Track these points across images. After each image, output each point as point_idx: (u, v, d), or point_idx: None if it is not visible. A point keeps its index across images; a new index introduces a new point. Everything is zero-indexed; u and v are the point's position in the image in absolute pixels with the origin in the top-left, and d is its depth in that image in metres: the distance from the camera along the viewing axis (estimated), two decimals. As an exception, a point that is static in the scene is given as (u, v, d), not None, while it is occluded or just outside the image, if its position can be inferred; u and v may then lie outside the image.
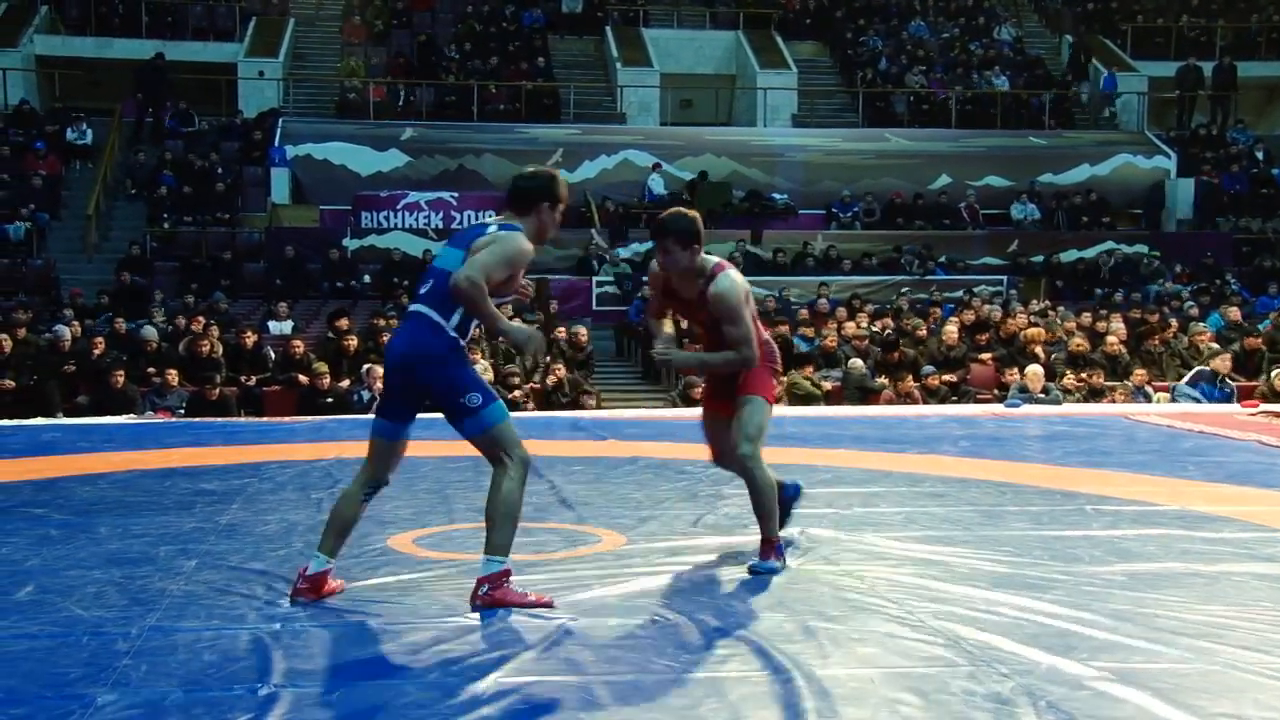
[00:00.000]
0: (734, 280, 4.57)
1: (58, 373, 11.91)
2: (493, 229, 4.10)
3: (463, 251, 4.05)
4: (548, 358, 12.56)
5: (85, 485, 6.53)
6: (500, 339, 4.30)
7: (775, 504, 4.64)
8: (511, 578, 4.04)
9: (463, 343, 4.05)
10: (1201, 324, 14.70)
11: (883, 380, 12.68)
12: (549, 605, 4.01)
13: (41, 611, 3.98)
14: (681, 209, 4.69)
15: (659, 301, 4.87)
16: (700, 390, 4.71)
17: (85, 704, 3.12)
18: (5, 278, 17.09)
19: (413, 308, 4.13)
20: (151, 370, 12.10)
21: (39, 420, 10.17)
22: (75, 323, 13.74)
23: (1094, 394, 12.23)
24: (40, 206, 18.70)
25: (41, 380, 11.68)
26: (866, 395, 12.39)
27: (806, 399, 12.10)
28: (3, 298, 16.18)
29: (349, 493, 4.20)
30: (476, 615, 3.97)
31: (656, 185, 20.81)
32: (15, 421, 9.80)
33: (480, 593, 3.99)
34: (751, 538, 5.19)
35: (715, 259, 4.67)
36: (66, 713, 3.06)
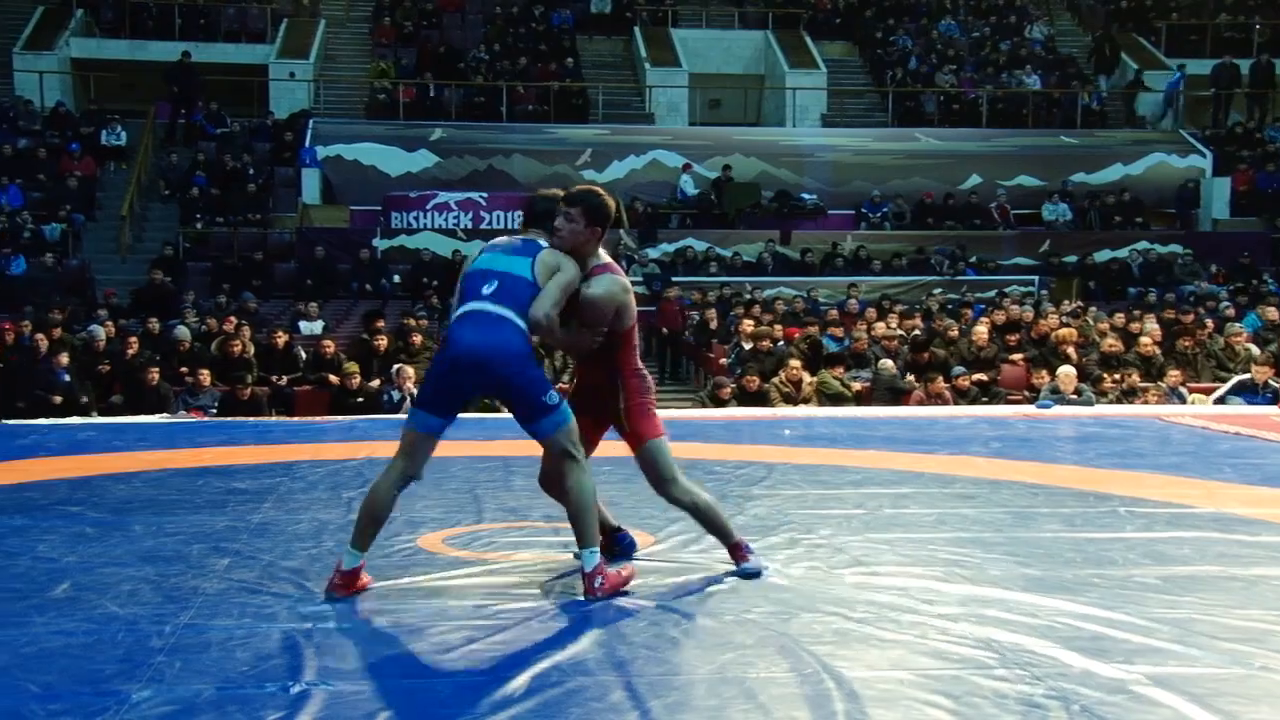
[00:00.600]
0: (612, 284, 4.36)
1: (93, 372, 12.01)
2: (545, 243, 4.30)
3: (530, 260, 4.22)
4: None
5: (120, 484, 6.58)
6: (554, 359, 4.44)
7: (721, 516, 4.60)
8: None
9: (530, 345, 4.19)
10: (1238, 324, 14.56)
11: (911, 380, 12.62)
12: (632, 578, 4.32)
13: (77, 608, 4.02)
14: (606, 195, 4.45)
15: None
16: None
17: (120, 700, 3.15)
18: (42, 278, 17.25)
19: (481, 307, 4.17)
20: (184, 370, 12.19)
21: (74, 419, 10.26)
22: (109, 323, 13.85)
23: (1127, 395, 12.13)
24: (76, 207, 18.88)
25: (77, 380, 11.78)
26: (897, 396, 12.34)
27: (836, 399, 12.06)
28: (39, 298, 16.33)
29: (381, 486, 4.21)
30: (505, 615, 3.98)
31: (688, 185, 20.80)
32: (51, 420, 9.90)
33: (596, 585, 4.15)
34: (783, 536, 5.19)
35: (606, 259, 4.47)
36: (102, 709, 3.09)
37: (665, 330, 16.27)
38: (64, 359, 11.71)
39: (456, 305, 4.29)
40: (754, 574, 4.50)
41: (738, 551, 4.57)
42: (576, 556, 4.34)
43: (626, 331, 4.48)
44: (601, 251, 4.47)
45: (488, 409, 9.82)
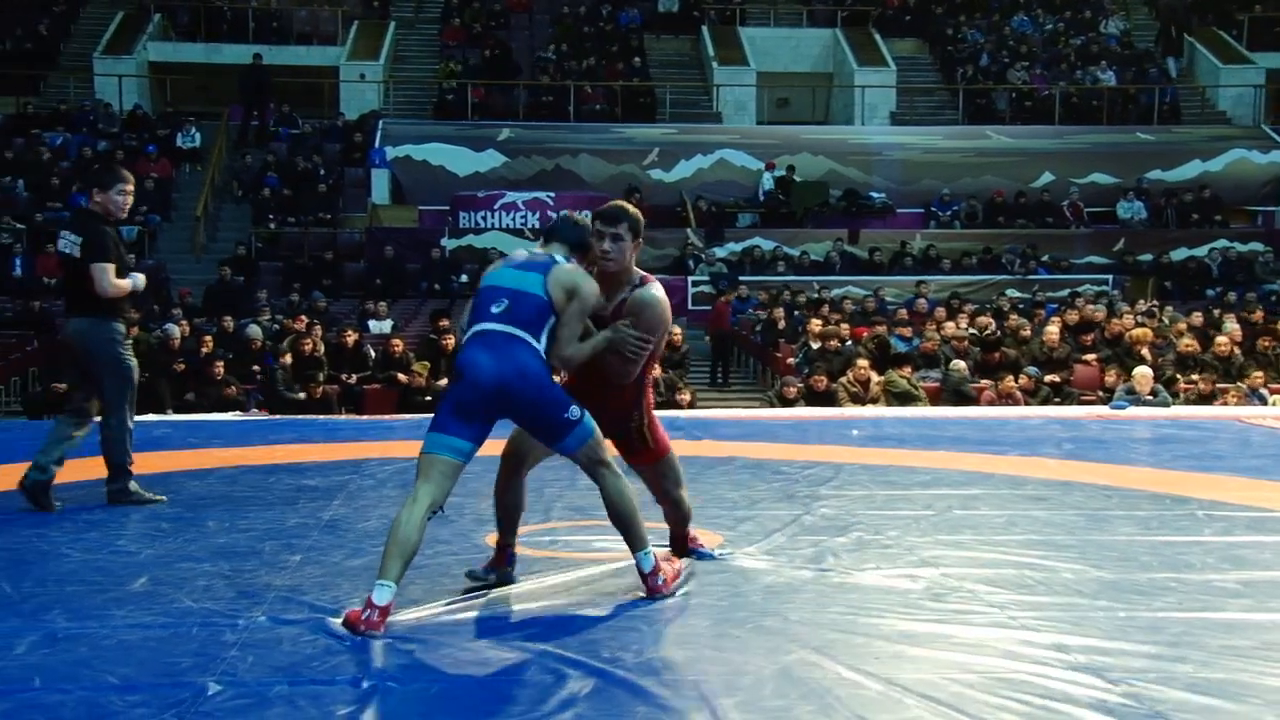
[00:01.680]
0: (662, 298, 4.32)
1: (168, 371, 12.24)
2: (561, 259, 4.17)
3: (541, 275, 4.08)
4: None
5: (194, 480, 6.70)
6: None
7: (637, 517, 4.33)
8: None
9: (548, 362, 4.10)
10: (1321, 324, 14.23)
11: (983, 382, 12.48)
12: (684, 568, 4.45)
13: (154, 602, 4.09)
14: (625, 203, 4.43)
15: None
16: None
17: (196, 693, 3.20)
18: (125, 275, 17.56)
19: (492, 327, 4.04)
20: (256, 369, 12.37)
21: (150, 416, 10.46)
22: (184, 322, 14.12)
23: (1205, 397, 11.90)
24: (152, 208, 19.25)
25: (153, 378, 12.01)
26: (963, 398, 12.22)
27: (904, 398, 11.96)
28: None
29: (412, 518, 3.91)
30: (571, 613, 4.00)
31: (768, 184, 20.72)
32: (128, 417, 10.09)
33: (658, 584, 4.19)
34: (852, 537, 5.15)
35: (645, 273, 4.43)
36: (178, 701, 3.14)
37: (714, 332, 16.22)
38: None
39: (468, 325, 4.15)
40: (706, 557, 4.64)
41: (681, 543, 4.71)
42: (471, 576, 4.37)
43: (655, 344, 4.38)
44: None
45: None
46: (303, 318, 13.91)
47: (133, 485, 5.95)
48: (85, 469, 6.33)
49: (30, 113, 21.41)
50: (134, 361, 6.02)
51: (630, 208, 4.36)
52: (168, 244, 19.26)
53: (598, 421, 4.21)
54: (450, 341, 12.89)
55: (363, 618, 3.74)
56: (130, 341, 6.09)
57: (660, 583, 4.18)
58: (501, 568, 4.45)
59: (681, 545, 4.74)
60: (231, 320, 14.03)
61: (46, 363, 13.48)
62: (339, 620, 3.83)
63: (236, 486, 6.51)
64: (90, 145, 20.29)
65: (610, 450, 4.24)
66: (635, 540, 4.19)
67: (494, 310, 4.07)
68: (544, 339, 4.07)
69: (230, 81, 22.06)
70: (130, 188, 6.09)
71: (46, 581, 4.38)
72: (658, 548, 4.36)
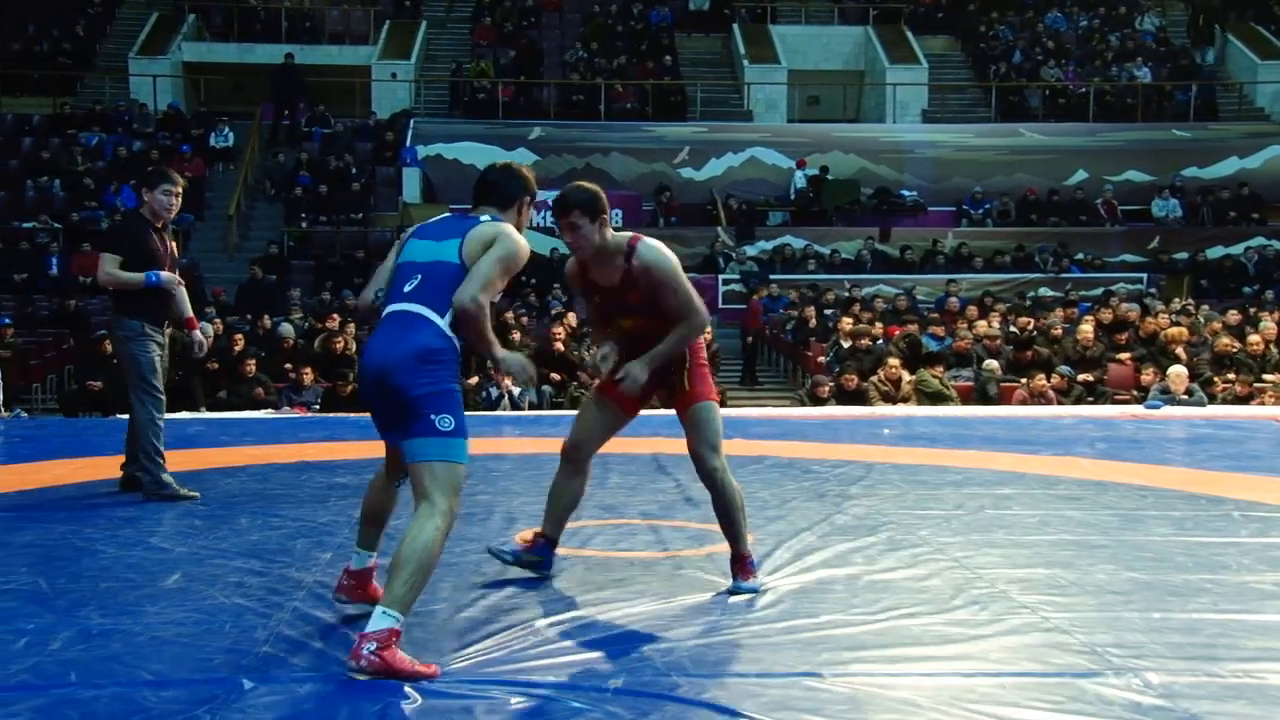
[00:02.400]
0: (659, 246, 4.17)
1: (202, 369, 12.33)
2: (487, 219, 3.71)
3: (459, 240, 3.63)
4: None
5: (227, 478, 6.75)
6: (489, 365, 3.85)
7: (742, 516, 4.29)
8: (400, 639, 3.37)
9: (459, 342, 3.60)
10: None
11: (1021, 381, 12.39)
12: (432, 676, 3.34)
13: (188, 599, 4.12)
14: (580, 182, 4.26)
15: (594, 311, 4.50)
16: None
17: (229, 688, 3.22)
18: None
19: (399, 308, 3.61)
20: (288, 367, 12.44)
21: (184, 414, 10.53)
22: (217, 320, 14.21)
23: (1242, 397, 11.78)
24: (185, 208, 19.31)
25: (187, 376, 12.10)
26: (989, 398, 12.15)
27: (936, 398, 11.90)
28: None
29: (374, 485, 3.94)
30: (601, 611, 3.99)
31: (800, 182, 20.66)
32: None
33: (365, 651, 3.28)
34: (883, 536, 5.13)
35: (628, 233, 4.27)
36: (211, 696, 3.16)
37: (747, 331, 16.19)
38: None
39: (384, 306, 3.74)
40: (751, 591, 4.24)
41: (742, 565, 4.30)
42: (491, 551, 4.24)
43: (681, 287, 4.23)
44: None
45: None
46: (334, 316, 13.98)
47: (165, 477, 6.02)
48: (114, 468, 6.38)
49: (67, 113, 21.61)
50: (149, 357, 6.05)
51: (577, 189, 4.17)
52: (201, 243, 19.40)
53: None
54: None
55: (338, 580, 3.94)
56: (153, 338, 6.10)
57: (365, 652, 3.27)
58: (528, 554, 4.45)
59: (736, 564, 4.32)
60: (268, 318, 14.11)
61: (82, 361, 13.60)
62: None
63: (268, 484, 6.55)
64: (125, 145, 20.47)
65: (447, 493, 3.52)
66: (390, 590, 3.36)
67: (405, 289, 3.63)
68: (451, 315, 3.57)
69: (263, 81, 22.20)
70: (176, 189, 6.18)
71: (81, 578, 4.42)
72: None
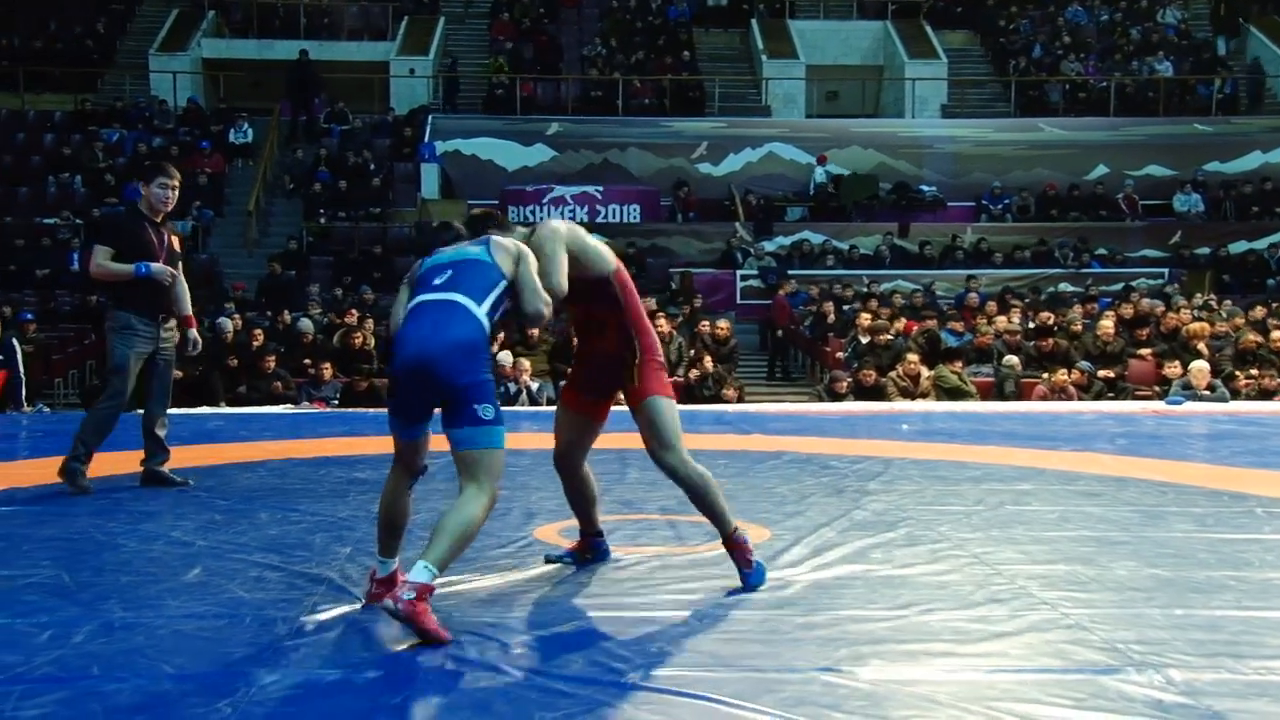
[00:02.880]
0: (552, 224, 4.15)
1: (221, 364, 12.38)
2: (496, 235, 4.00)
3: (483, 245, 3.90)
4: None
5: (246, 473, 6.78)
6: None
7: (720, 498, 4.22)
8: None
9: (489, 333, 3.79)
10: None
11: (1042, 377, 12.35)
12: (445, 642, 3.52)
13: (208, 593, 4.14)
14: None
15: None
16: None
17: (249, 683, 3.23)
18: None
19: (431, 296, 3.78)
20: (307, 362, 12.49)
21: (204, 409, 10.59)
22: (236, 315, 14.28)
23: (1266, 393, 11.72)
24: (205, 203, 19.48)
25: (206, 371, 12.16)
26: (1005, 395, 12.11)
27: (954, 394, 11.87)
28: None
29: (394, 493, 3.96)
30: (620, 607, 3.99)
31: (820, 178, 20.63)
32: (182, 410, 10.23)
33: (402, 595, 3.48)
34: (902, 532, 5.11)
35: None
36: (231, 690, 3.17)
37: (777, 326, 16.17)
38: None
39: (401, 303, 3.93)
40: (758, 582, 4.18)
41: (735, 545, 4.22)
42: (549, 560, 4.42)
43: (617, 276, 4.27)
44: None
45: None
46: (353, 311, 14.02)
47: (83, 469, 6.06)
48: (131, 462, 6.42)
49: (88, 110, 21.72)
50: (127, 353, 6.07)
51: (479, 213, 4.28)
52: (221, 239, 19.48)
53: (596, 373, 4.30)
54: (500, 336, 12.95)
55: (366, 590, 3.97)
56: (139, 332, 6.11)
57: (404, 597, 3.47)
58: (582, 555, 4.56)
59: (732, 550, 4.26)
60: (287, 314, 14.17)
61: (103, 356, 13.68)
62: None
63: (288, 479, 6.58)
64: (146, 141, 20.57)
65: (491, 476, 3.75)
66: (431, 549, 3.57)
67: (436, 282, 3.81)
68: (491, 302, 3.77)
69: (282, 77, 22.27)
70: (172, 182, 6.18)
71: (103, 571, 4.44)
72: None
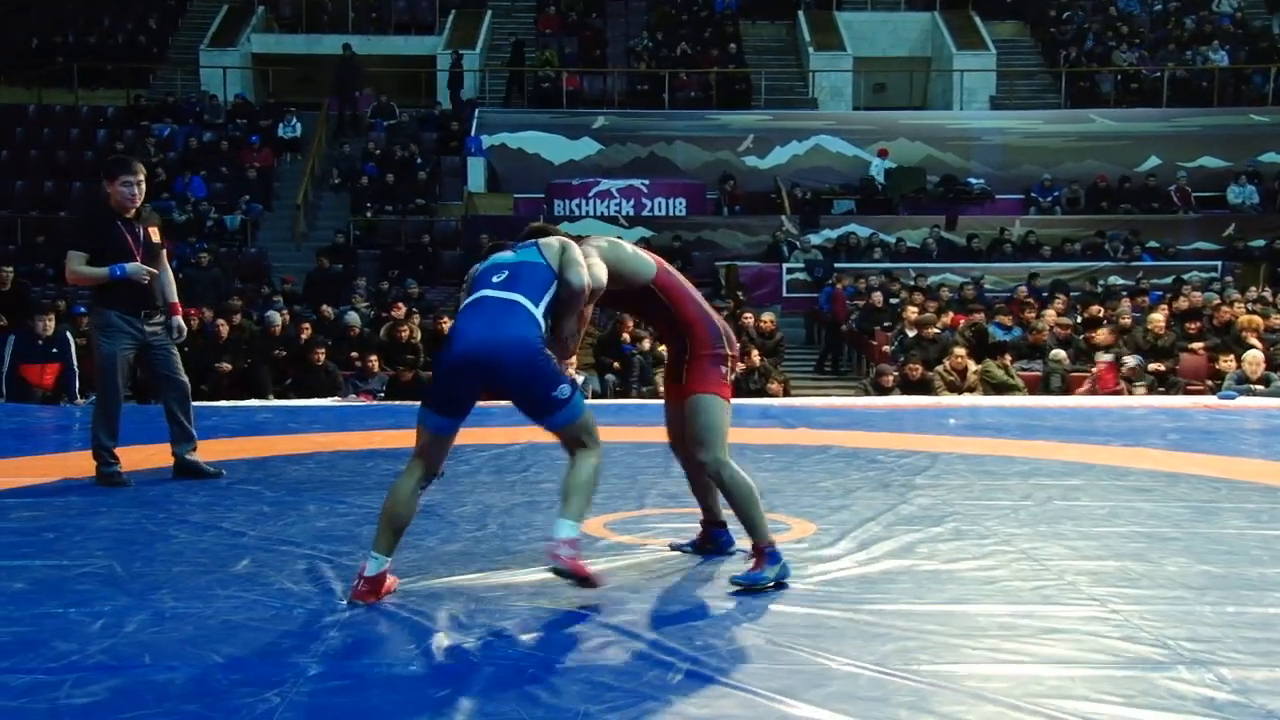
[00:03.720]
0: (592, 238, 4.37)
1: (270, 357, 12.50)
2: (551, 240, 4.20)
3: (535, 248, 4.11)
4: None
5: (294, 465, 6.84)
6: (563, 341, 4.13)
7: (756, 506, 4.19)
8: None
9: (544, 332, 3.98)
10: None
11: (1089, 371, 12.21)
12: (601, 585, 3.99)
13: (257, 583, 4.18)
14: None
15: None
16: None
17: (297, 673, 3.26)
18: (222, 266, 18.05)
19: (489, 294, 3.98)
20: (354, 355, 12.58)
21: (253, 402, 10.70)
22: (284, 311, 14.41)
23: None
24: (254, 198, 19.67)
25: (255, 364, 12.28)
26: (1050, 390, 11.99)
27: (1001, 388, 11.76)
28: (221, 286, 17.10)
29: (403, 489, 4.01)
30: (664, 600, 4.00)
31: (878, 171, 20.51)
32: (232, 403, 10.35)
33: (563, 554, 3.87)
34: (948, 527, 5.08)
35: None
36: (280, 680, 3.21)
37: (838, 320, 16.02)
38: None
39: (463, 302, 4.11)
40: (751, 584, 4.08)
41: (758, 553, 4.15)
42: (673, 549, 4.42)
43: (661, 286, 4.29)
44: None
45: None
46: (400, 305, 14.11)
47: (117, 470, 6.11)
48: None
49: (141, 105, 22.00)
50: (113, 351, 6.09)
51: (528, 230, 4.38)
52: (269, 232, 19.67)
53: (676, 367, 4.37)
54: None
55: (353, 587, 3.95)
56: (123, 329, 6.10)
57: (562, 553, 3.86)
58: (702, 545, 4.61)
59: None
60: (329, 308, 14.28)
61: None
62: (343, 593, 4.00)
63: (335, 471, 6.63)
64: (196, 136, 20.80)
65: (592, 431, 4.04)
66: (568, 507, 3.92)
67: (494, 280, 4.03)
68: (546, 302, 4.00)
69: (330, 72, 22.44)
70: (136, 179, 6.10)
71: (154, 562, 4.50)
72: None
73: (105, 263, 6.03)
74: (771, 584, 4.10)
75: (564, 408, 3.94)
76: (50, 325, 10.91)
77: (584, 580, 3.92)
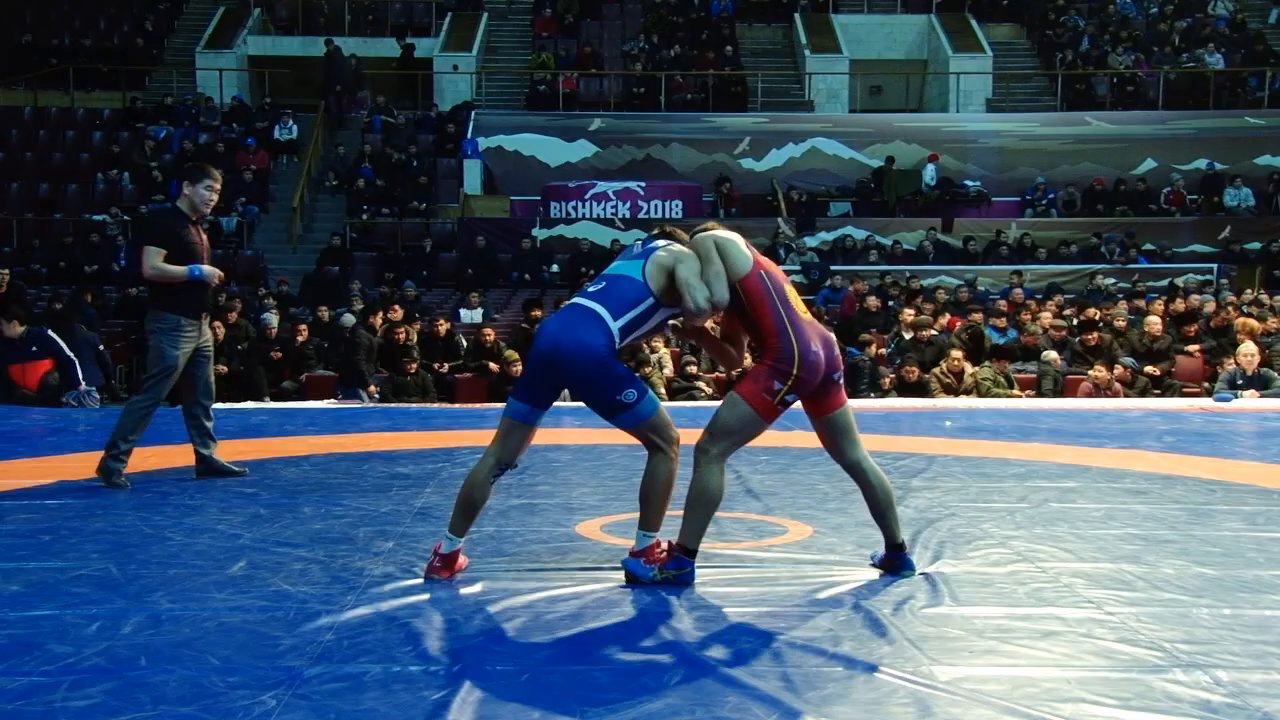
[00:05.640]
0: (712, 231, 4.30)
1: (266, 359, 12.49)
2: (664, 243, 4.34)
3: (643, 261, 4.26)
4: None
5: (290, 467, 6.83)
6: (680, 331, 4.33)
7: (707, 513, 4.20)
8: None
9: (620, 343, 4.16)
10: None
11: (1087, 375, 12.22)
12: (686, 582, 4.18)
13: (253, 586, 4.18)
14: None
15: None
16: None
17: (293, 675, 3.26)
18: (218, 268, 18.00)
19: (577, 301, 4.25)
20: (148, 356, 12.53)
21: (249, 404, 10.69)
22: (276, 311, 14.38)
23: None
24: (250, 200, 19.65)
25: (251, 366, 12.27)
26: (1043, 392, 12.00)
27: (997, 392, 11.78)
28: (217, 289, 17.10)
29: (478, 475, 4.25)
30: (661, 603, 3.99)
31: (930, 177, 20.51)
32: (228, 405, 10.34)
33: (637, 566, 4.19)
34: (945, 529, 5.08)
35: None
36: (276, 682, 3.20)
37: (841, 318, 15.94)
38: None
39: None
40: (638, 576, 4.18)
41: (672, 552, 4.20)
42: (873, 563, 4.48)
43: (746, 288, 4.22)
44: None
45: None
46: (396, 307, 14.10)
47: (121, 467, 6.17)
48: (178, 456, 6.49)
49: (137, 107, 21.98)
50: (176, 354, 6.19)
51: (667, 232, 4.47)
52: (265, 234, 19.65)
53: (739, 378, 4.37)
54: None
55: (429, 564, 4.27)
56: (186, 333, 6.23)
57: (641, 567, 4.18)
58: (890, 569, 4.40)
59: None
60: (327, 310, 14.27)
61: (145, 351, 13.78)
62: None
63: (331, 473, 6.63)
64: (192, 138, 20.78)
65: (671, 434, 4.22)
66: (646, 520, 4.25)
67: (590, 289, 4.28)
68: (629, 318, 4.16)
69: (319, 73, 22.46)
70: (216, 184, 6.31)
71: (150, 564, 4.50)
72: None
73: (176, 262, 6.18)
74: (652, 581, 4.17)
75: (628, 410, 4.14)
76: (16, 328, 10.89)
77: (666, 581, 4.15)
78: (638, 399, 4.15)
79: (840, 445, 4.42)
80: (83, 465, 6.55)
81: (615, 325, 4.14)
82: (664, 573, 4.20)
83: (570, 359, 4.10)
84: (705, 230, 4.37)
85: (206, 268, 6.27)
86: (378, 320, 12.97)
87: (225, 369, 12.16)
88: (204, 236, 6.45)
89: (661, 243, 4.36)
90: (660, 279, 4.21)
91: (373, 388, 11.82)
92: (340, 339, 13.11)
